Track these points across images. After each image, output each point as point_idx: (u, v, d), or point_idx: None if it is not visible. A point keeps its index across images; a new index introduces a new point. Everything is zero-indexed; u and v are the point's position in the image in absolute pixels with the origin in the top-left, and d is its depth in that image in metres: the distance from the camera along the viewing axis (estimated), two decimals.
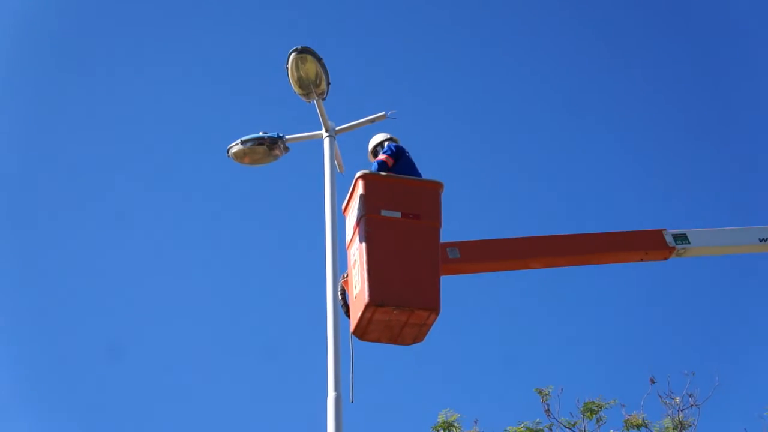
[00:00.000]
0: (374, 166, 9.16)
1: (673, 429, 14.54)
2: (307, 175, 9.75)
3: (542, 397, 15.06)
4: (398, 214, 8.52)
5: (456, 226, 9.33)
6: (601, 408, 14.82)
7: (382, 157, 9.15)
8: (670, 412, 14.78)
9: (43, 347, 29.50)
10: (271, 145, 9.59)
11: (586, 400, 14.90)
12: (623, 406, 15.02)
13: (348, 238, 8.83)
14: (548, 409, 14.98)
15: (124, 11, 31.85)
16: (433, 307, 8.25)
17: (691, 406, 14.77)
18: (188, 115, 31.92)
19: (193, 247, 31.79)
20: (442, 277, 8.46)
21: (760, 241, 9.54)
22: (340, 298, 8.74)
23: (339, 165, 9.73)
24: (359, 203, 8.54)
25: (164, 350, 29.67)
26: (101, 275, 31.18)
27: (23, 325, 30.11)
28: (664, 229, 9.51)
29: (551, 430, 14.97)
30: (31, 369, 28.75)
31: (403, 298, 8.22)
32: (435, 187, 8.74)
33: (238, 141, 9.67)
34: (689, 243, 9.44)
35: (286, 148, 9.71)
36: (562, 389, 15.22)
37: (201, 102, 31.76)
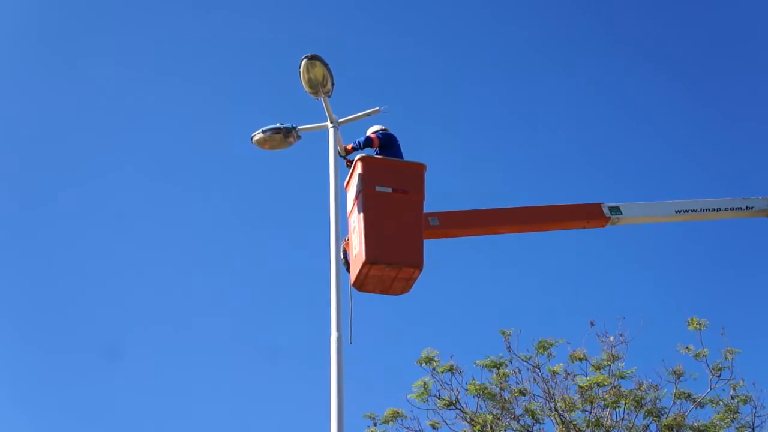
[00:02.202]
0: (361, 138, 10.18)
1: (607, 361, 15.81)
2: (315, 159, 10.88)
3: (505, 337, 16.20)
4: (390, 190, 9.56)
5: (436, 199, 10.23)
6: (551, 345, 16.03)
7: (371, 135, 10.22)
8: (605, 348, 16.01)
9: (42, 347, 30.00)
10: (286, 133, 10.24)
11: (540, 339, 16.09)
12: (569, 343, 16.17)
13: (348, 209, 9.90)
14: (509, 347, 16.14)
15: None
16: (418, 265, 9.34)
17: (622, 343, 15.97)
18: (209, 111, 32.80)
19: (197, 241, 32.58)
20: (425, 240, 9.50)
21: (676, 212, 10.72)
22: (342, 257, 9.63)
23: (341, 150, 10.35)
24: (358, 181, 9.60)
25: (164, 350, 30.58)
26: (101, 275, 31.71)
27: (22, 325, 30.52)
28: (602, 203, 10.60)
29: (511, 362, 16.16)
30: (31, 369, 29.44)
31: (394, 257, 9.28)
32: (419, 168, 9.81)
33: (260, 130, 10.28)
34: (621, 214, 10.50)
35: (299, 136, 10.33)
36: (521, 331, 16.35)
37: (225, 99, 32.93)
